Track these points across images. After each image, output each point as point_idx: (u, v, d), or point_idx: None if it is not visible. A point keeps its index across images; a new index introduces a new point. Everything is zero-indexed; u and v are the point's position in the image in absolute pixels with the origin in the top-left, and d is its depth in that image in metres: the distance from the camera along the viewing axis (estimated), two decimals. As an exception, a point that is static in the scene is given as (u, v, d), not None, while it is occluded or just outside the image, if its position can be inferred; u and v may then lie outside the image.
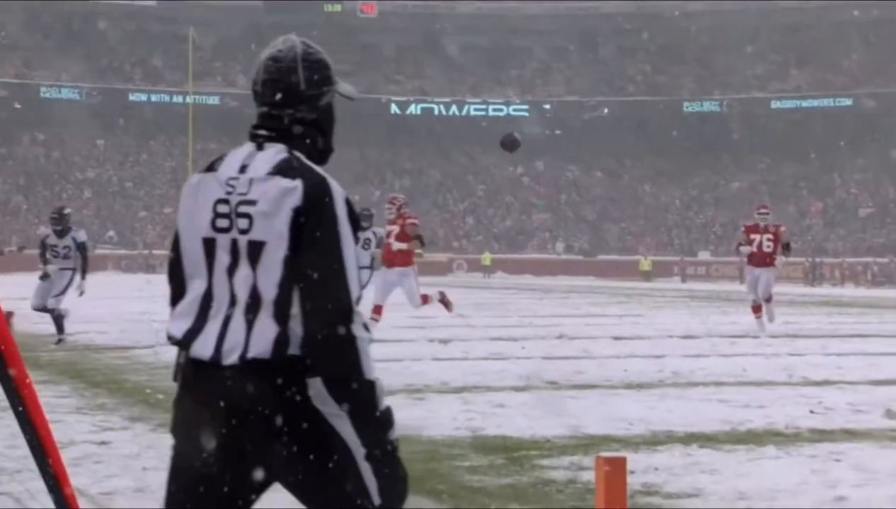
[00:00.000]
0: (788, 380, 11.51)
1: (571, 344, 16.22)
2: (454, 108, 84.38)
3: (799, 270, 62.44)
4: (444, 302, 17.67)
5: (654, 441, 7.63)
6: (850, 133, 76.84)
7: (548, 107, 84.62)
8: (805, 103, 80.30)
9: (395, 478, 2.82)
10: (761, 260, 19.33)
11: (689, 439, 7.66)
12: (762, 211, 19.92)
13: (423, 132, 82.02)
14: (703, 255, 71.58)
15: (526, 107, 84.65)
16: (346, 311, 2.76)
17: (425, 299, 17.14)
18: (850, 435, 7.92)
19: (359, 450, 2.79)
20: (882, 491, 5.99)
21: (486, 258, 70.60)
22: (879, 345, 16.71)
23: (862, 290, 52.70)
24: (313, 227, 2.78)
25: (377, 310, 16.90)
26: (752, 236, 19.45)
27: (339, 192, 2.83)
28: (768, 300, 19.21)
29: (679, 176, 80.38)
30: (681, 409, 9.17)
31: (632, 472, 5.84)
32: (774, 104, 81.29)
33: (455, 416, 8.68)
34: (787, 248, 19.61)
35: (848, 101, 79.30)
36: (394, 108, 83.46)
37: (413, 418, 8.61)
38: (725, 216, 74.87)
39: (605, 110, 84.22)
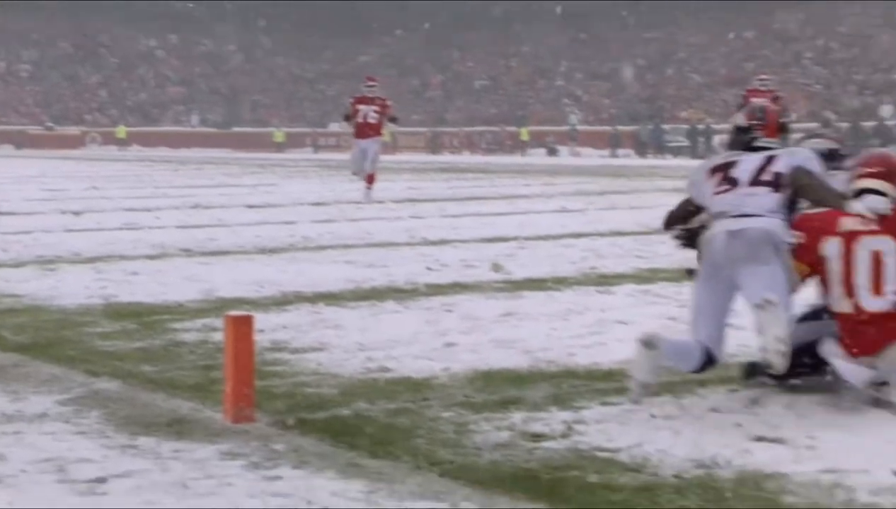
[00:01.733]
0: (409, 241, 12.21)
1: (206, 212, 16.40)
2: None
3: (421, 139, 64.73)
4: None
5: (284, 301, 8.00)
6: (467, 8, 79.28)
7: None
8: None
9: None
10: (366, 131, 19.58)
11: (317, 298, 8.08)
12: (370, 83, 20.29)
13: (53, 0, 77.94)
14: (334, 127, 72.29)
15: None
16: None
17: None
18: (461, 287, 8.61)
19: None
20: (485, 336, 6.64)
21: (121, 131, 68.71)
22: (491, 206, 17.95)
23: (477, 157, 55.46)
24: None
25: None
26: (359, 106, 19.84)
27: None
28: (370, 181, 19.28)
29: (311, 49, 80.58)
30: (310, 272, 9.59)
31: (261, 331, 6.18)
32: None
33: (87, 285, 8.73)
34: (392, 120, 20.48)
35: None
36: (17, -26, 78.62)
37: (43, 288, 8.62)
38: (354, 88, 75.38)
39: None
